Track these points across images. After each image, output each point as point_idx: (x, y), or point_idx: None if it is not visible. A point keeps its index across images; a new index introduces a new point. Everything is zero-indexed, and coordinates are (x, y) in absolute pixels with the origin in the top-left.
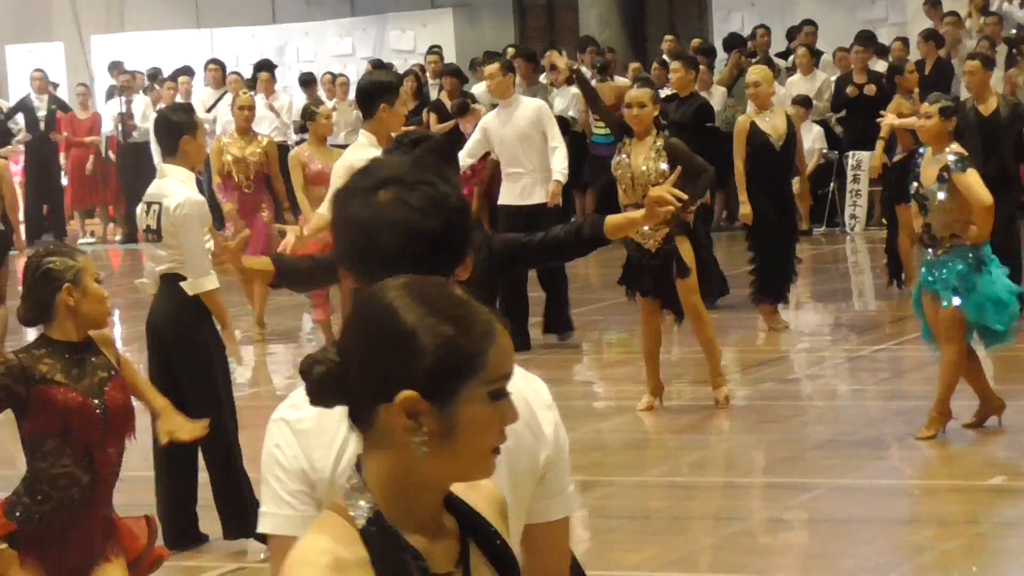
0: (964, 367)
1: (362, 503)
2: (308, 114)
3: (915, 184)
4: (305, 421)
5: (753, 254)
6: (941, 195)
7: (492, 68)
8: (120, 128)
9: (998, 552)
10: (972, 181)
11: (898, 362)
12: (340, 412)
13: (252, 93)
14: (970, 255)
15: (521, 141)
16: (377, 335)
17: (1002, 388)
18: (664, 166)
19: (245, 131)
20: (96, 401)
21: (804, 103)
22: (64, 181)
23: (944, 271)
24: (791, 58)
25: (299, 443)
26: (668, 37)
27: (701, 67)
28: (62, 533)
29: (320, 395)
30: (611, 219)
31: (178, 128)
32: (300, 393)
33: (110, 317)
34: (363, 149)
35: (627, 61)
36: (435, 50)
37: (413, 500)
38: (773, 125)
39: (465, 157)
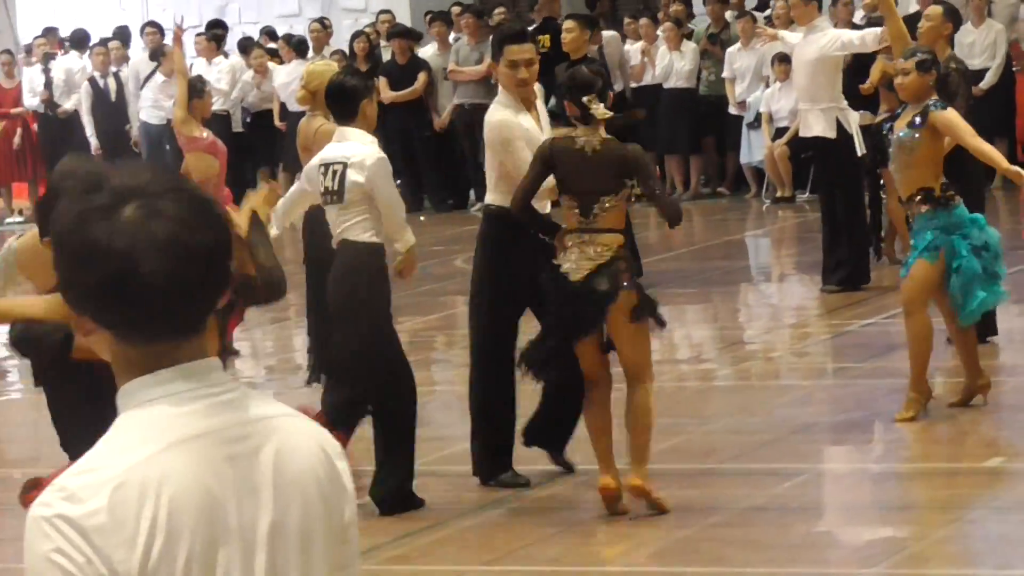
0: (931, 339)
1: None
2: (195, 90)
3: (890, 138)
4: (97, 515)
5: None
6: (907, 141)
7: None
8: (46, 100)
9: (1000, 539)
10: (952, 116)
11: (887, 337)
12: (137, 496)
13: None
14: (942, 216)
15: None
16: None
17: (986, 364)
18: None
19: None
20: None
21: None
22: None
23: (916, 236)
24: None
25: (91, 545)
26: None
27: (666, 23)
28: None
29: None
30: None
31: (355, 93)
32: (79, 480)
33: None
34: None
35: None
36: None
37: None
38: None
39: None
